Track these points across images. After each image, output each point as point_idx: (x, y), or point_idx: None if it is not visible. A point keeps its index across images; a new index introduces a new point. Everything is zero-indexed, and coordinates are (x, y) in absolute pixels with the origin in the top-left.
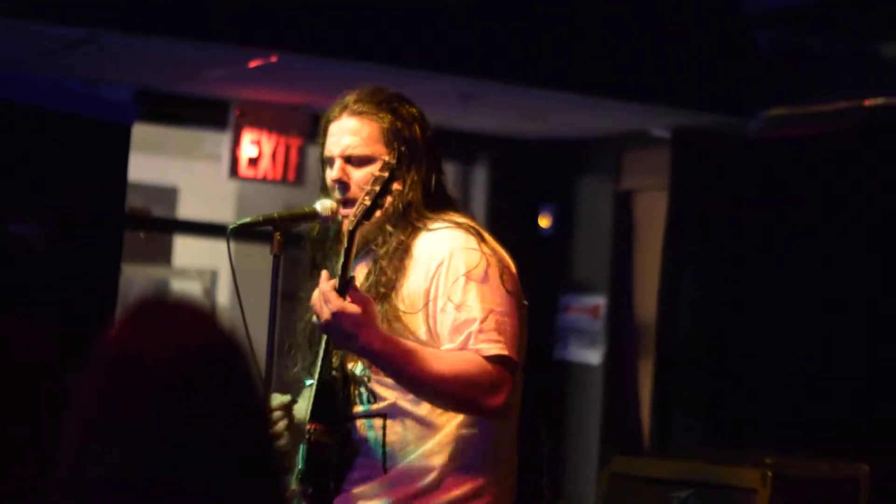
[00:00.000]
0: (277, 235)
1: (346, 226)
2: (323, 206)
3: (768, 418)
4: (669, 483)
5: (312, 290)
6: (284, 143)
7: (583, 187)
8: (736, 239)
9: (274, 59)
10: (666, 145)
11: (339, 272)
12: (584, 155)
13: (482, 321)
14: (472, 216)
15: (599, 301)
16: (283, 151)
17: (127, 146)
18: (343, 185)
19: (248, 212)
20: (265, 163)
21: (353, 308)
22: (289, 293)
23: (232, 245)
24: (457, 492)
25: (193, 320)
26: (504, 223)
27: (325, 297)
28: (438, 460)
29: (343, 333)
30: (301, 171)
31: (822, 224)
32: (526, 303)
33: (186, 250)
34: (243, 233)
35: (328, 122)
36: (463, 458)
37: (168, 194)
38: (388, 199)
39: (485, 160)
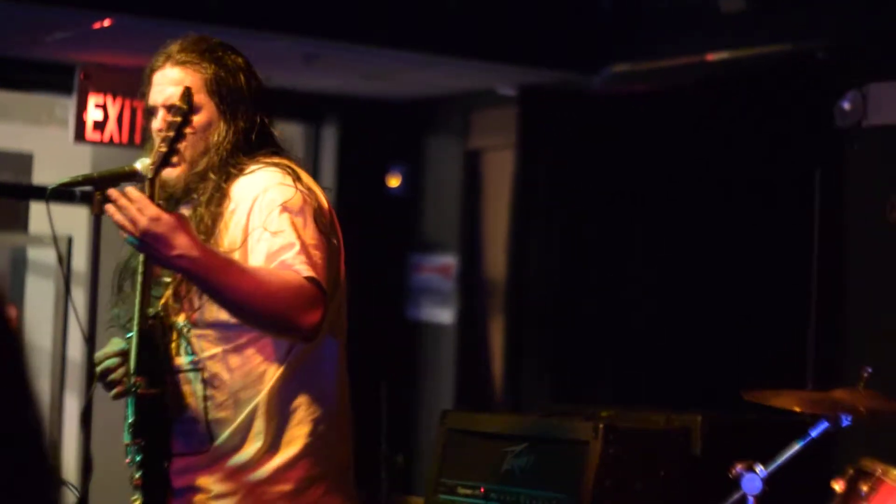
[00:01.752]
0: (98, 195)
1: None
2: (143, 164)
3: (615, 373)
4: (505, 437)
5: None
6: (130, 105)
7: (431, 147)
8: (583, 195)
9: (112, 20)
10: (513, 104)
11: None
12: (433, 114)
13: (300, 247)
14: (294, 160)
15: (450, 260)
16: (129, 114)
17: None
18: None
19: None
20: (111, 126)
21: (169, 214)
22: None
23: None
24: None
25: None
26: (353, 184)
27: (138, 205)
28: (259, 427)
29: (161, 240)
30: (148, 133)
31: (667, 178)
32: (336, 242)
33: (42, 216)
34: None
35: (152, 71)
36: (287, 430)
37: (23, 160)
38: (210, 143)
39: (333, 121)
